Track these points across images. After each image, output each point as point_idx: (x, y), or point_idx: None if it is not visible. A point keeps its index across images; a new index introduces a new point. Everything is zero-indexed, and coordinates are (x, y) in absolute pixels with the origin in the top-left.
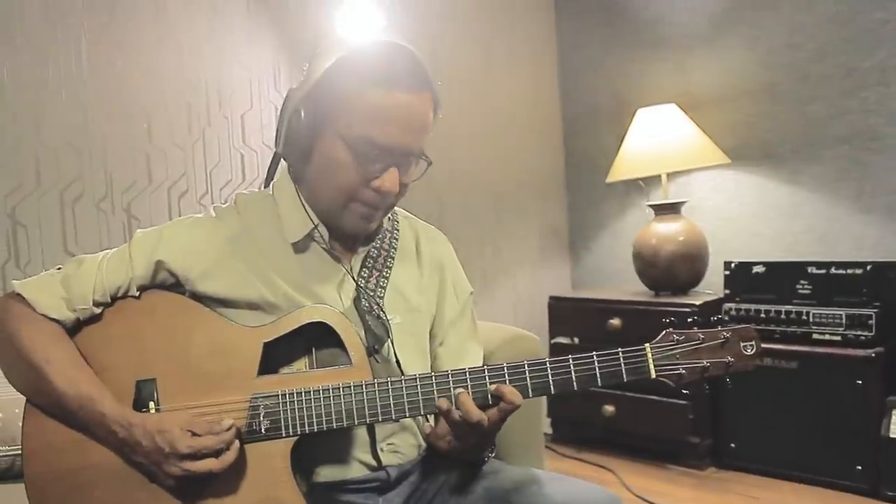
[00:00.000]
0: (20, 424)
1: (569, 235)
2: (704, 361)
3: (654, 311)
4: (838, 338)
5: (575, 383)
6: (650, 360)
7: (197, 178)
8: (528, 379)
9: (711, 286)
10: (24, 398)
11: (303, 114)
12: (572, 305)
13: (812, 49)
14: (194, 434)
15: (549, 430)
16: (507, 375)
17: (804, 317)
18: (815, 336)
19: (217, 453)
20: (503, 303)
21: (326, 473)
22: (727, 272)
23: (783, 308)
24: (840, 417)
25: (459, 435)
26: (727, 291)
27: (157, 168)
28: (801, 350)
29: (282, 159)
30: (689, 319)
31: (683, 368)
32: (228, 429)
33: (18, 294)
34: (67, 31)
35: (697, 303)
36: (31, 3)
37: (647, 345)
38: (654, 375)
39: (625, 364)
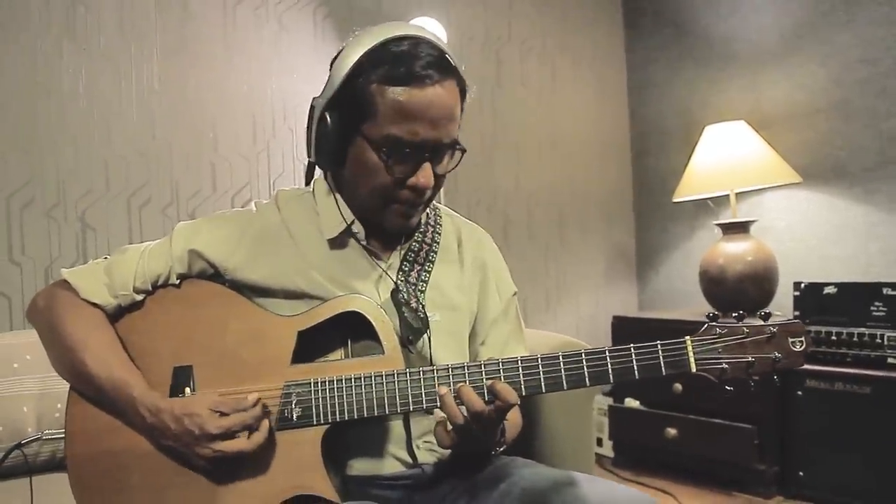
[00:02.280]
0: None
1: (636, 257)
2: (749, 356)
3: None
4: None
5: (611, 375)
6: (691, 354)
7: (261, 187)
8: (562, 371)
9: (781, 308)
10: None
11: (329, 121)
12: (636, 326)
13: (889, 64)
14: (222, 414)
15: (611, 454)
16: (540, 367)
17: (878, 340)
18: (890, 360)
19: (247, 428)
20: (565, 321)
21: (360, 467)
22: (797, 293)
23: (856, 331)
24: None
25: (459, 427)
26: (797, 313)
27: (221, 177)
28: (875, 375)
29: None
30: (735, 314)
31: (726, 363)
32: (255, 404)
33: (65, 281)
34: (141, 47)
35: None
36: (108, 20)
37: (687, 337)
38: (694, 370)
39: (664, 357)
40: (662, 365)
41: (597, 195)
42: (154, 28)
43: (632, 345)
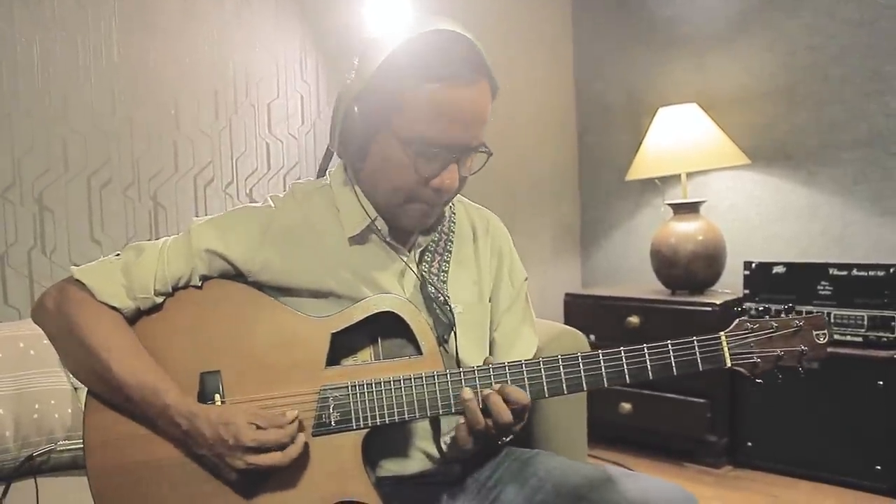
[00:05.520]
0: (56, 416)
1: (580, 233)
2: (778, 350)
3: (673, 310)
4: (860, 339)
5: (650, 372)
6: (725, 349)
7: (223, 166)
8: (602, 368)
9: (728, 286)
10: (64, 389)
11: (357, 113)
12: (588, 303)
13: (832, 51)
14: (259, 427)
15: None
16: (581, 364)
17: (825, 318)
18: (836, 337)
19: (282, 447)
20: None
21: (390, 467)
22: (747, 272)
23: (803, 309)
24: (860, 417)
25: (478, 431)
26: (746, 291)
27: (183, 155)
28: None
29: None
30: (761, 308)
31: (758, 357)
32: (292, 421)
33: (77, 281)
34: (99, 17)
35: (718, 302)
36: None
37: (721, 333)
38: (729, 364)
39: (700, 353)
40: (699, 360)
41: (545, 173)
42: None
43: (669, 342)
